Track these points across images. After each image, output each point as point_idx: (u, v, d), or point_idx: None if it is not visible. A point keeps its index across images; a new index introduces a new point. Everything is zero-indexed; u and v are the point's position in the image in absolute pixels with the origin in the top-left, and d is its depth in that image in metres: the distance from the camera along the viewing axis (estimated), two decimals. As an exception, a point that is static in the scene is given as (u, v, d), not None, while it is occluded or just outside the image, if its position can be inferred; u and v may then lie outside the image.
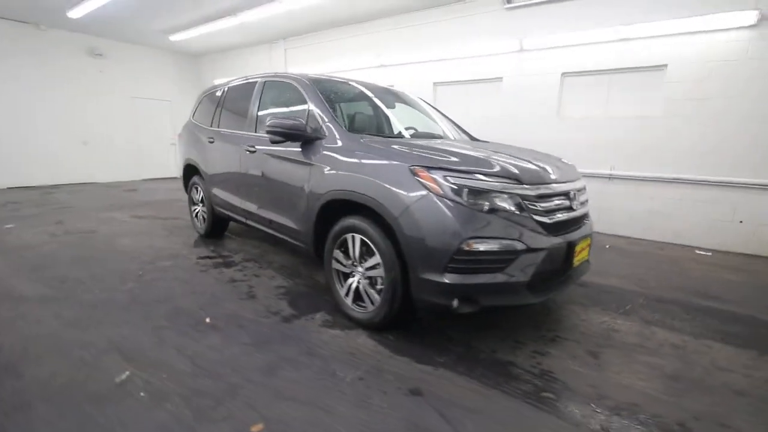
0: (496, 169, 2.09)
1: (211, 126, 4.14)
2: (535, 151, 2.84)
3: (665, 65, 4.68)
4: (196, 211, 4.54)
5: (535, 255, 2.04)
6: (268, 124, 2.68)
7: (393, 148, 2.31)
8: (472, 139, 3.59)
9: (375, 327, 2.36)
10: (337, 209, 2.52)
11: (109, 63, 9.18)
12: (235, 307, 2.69)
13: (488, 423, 1.66)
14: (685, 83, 4.58)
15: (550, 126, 5.58)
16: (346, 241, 2.44)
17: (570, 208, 2.31)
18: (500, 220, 1.99)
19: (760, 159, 4.30)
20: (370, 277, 2.35)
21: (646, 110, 4.89)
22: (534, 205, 2.09)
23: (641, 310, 2.88)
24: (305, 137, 2.67)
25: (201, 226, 4.46)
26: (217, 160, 3.85)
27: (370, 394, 1.81)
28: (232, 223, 4.50)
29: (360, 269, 2.41)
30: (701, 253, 4.53)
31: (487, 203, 1.99)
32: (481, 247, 1.94)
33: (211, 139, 3.97)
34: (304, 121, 2.67)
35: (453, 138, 3.35)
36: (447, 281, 1.97)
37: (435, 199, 1.98)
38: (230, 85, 4.05)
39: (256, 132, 3.37)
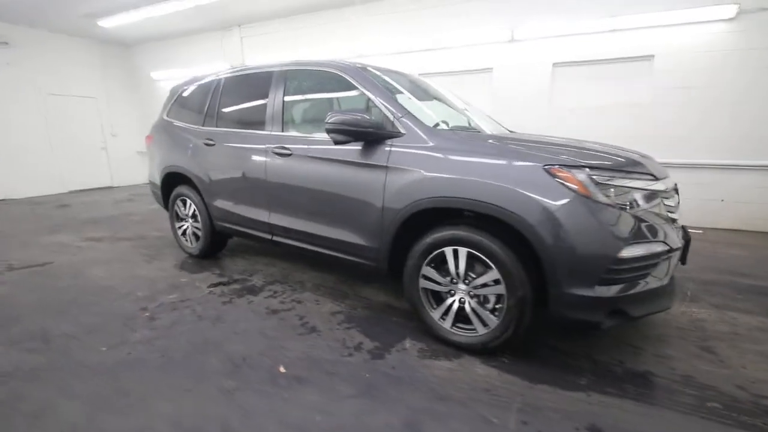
0: (635, 164, 1.90)
1: (204, 125, 3.44)
2: (608, 144, 2.71)
3: (652, 56, 4.91)
4: (184, 227, 3.79)
5: (674, 255, 1.89)
6: (329, 121, 2.21)
7: (508, 145, 2.00)
8: (510, 132, 3.40)
9: (486, 351, 2.05)
10: (423, 220, 2.16)
11: (17, 54, 7.48)
12: (302, 346, 2.20)
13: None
14: (671, 73, 4.84)
15: (541, 116, 5.62)
16: (442, 255, 2.09)
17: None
18: (646, 220, 1.80)
19: (737, 142, 4.70)
20: (478, 296, 2.03)
21: (634, 99, 5.11)
22: (666, 202, 1.93)
23: (701, 294, 2.92)
24: (377, 136, 2.25)
25: (193, 245, 3.73)
26: (222, 167, 3.19)
27: (549, 442, 1.52)
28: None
29: (463, 287, 2.07)
30: (693, 231, 4.87)
31: (634, 203, 1.78)
32: (638, 252, 1.74)
33: (210, 142, 3.29)
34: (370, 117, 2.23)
35: (503, 131, 3.11)
36: (599, 294, 1.73)
37: (583, 201, 1.72)
38: (225, 76, 3.39)
39: (283, 131, 2.82)
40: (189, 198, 3.59)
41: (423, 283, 2.20)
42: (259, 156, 2.88)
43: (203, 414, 1.66)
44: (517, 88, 5.69)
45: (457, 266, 2.05)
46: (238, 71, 3.32)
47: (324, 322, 2.49)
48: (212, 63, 8.02)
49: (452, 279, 2.10)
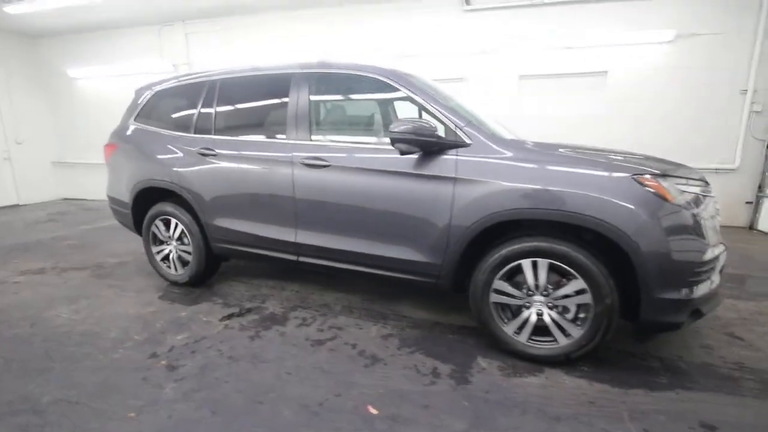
0: (692, 171, 2.04)
1: (195, 133, 2.98)
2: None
3: (606, 71, 5.47)
4: (166, 252, 3.23)
5: (724, 256, 2.07)
6: (396, 130, 2.04)
7: (587, 155, 2.02)
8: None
9: (568, 361, 2.04)
10: (492, 233, 2.09)
11: None
12: (375, 379, 1.98)
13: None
14: (622, 87, 5.43)
15: (511, 125, 5.92)
16: (518, 268, 2.03)
17: None
18: (710, 224, 1.94)
19: (681, 148, 5.41)
20: (557, 307, 2.02)
21: (591, 110, 5.64)
22: (715, 206, 2.11)
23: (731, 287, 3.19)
24: (441, 145, 2.12)
25: (179, 271, 3.19)
26: (227, 180, 2.78)
27: (680, 448, 1.53)
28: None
29: (539, 299, 2.04)
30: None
31: (703, 209, 1.91)
32: (712, 253, 1.86)
33: (208, 151, 2.85)
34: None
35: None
36: (686, 296, 1.82)
37: (672, 208, 1.79)
38: (221, 76, 2.97)
39: (311, 140, 2.54)
40: (175, 217, 3.07)
41: (494, 298, 2.12)
42: (281, 167, 2.56)
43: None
44: (490, 97, 5.92)
45: (536, 278, 2.01)
46: (240, 72, 2.92)
47: (380, 348, 2.28)
48: (146, 60, 7.11)
49: (527, 292, 2.06)
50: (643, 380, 1.97)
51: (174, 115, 3.21)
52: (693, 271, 1.81)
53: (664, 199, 1.80)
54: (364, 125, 2.82)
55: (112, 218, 3.84)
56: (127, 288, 3.23)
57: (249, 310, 2.79)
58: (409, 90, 2.33)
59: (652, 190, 1.81)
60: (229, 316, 2.70)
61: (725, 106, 5.11)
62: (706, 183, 2.08)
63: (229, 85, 2.94)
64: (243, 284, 3.29)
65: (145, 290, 3.17)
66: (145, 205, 3.26)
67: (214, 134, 2.92)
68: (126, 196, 3.31)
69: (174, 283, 3.25)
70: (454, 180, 2.10)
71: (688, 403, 1.79)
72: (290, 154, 2.54)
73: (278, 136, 2.66)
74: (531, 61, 5.67)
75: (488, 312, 2.15)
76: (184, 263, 3.18)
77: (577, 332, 1.99)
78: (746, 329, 2.50)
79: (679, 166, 2.12)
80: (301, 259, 2.66)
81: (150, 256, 3.32)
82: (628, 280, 1.89)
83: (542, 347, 2.07)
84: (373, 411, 1.75)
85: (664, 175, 1.85)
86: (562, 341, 2.03)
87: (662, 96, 5.30)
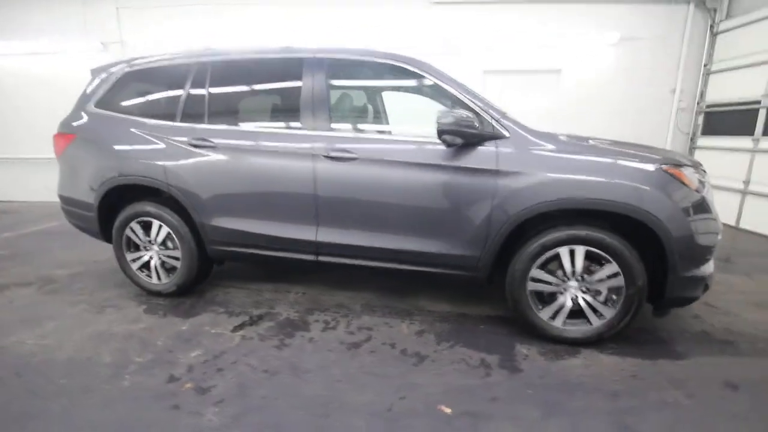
0: (694, 161, 2.28)
1: (181, 121, 2.62)
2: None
3: (560, 69, 5.89)
4: (145, 259, 2.82)
5: None
6: (444, 121, 2.00)
7: (613, 147, 2.15)
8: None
9: (600, 341, 2.19)
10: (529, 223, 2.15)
11: None
12: (431, 377, 1.94)
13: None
14: (574, 84, 5.90)
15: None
16: (555, 257, 2.12)
17: None
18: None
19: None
20: (590, 290, 2.15)
21: (549, 105, 6.04)
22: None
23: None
24: (481, 137, 2.11)
25: (163, 280, 2.80)
26: (230, 175, 2.49)
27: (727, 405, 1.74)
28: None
29: (574, 284, 2.16)
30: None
31: (709, 193, 2.15)
32: (721, 235, 2.11)
33: (204, 142, 2.52)
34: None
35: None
36: (702, 273, 2.05)
37: (695, 195, 2.00)
38: (212, 59, 2.63)
39: (331, 131, 2.37)
40: (158, 218, 2.68)
41: (531, 286, 2.19)
42: (300, 160, 2.36)
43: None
44: (453, 90, 6.06)
45: (574, 265, 2.12)
46: (238, 54, 2.62)
47: (420, 345, 2.24)
48: (65, 36, 6.09)
49: (563, 277, 2.16)
50: (663, 351, 2.19)
51: (151, 101, 2.79)
52: (710, 249, 2.04)
53: (687, 186, 1.99)
54: (390, 115, 2.71)
55: (36, 223, 3.26)
56: (96, 303, 2.77)
57: (260, 318, 2.56)
58: (442, 81, 2.29)
59: (677, 178, 1.99)
60: (241, 326, 2.45)
61: (659, 103, 5.82)
62: (704, 170, 2.34)
63: (224, 68, 2.62)
64: (239, 290, 3.00)
65: (122, 304, 2.75)
66: (116, 205, 2.81)
67: (208, 123, 2.59)
68: (89, 195, 2.80)
69: (156, 294, 2.85)
70: (496, 172, 2.11)
71: (708, 368, 2.04)
72: (310, 146, 2.34)
73: (291, 125, 2.45)
74: (494, 57, 5.90)
75: (525, 300, 2.21)
76: (169, 270, 2.81)
77: (609, 313, 2.13)
78: (716, 299, 2.89)
79: (697, 161, 2.35)
80: (321, 258, 2.49)
81: (123, 264, 2.87)
82: (653, 262, 2.08)
83: (577, 330, 2.20)
84: (446, 410, 1.71)
85: (687, 165, 2.05)
86: (596, 323, 2.17)
87: (608, 93, 5.86)
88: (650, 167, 2.02)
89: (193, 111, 2.62)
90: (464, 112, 2.03)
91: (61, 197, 3.01)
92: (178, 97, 2.65)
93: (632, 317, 2.12)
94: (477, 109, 2.20)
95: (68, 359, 2.09)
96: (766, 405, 1.77)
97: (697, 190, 2.02)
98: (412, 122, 2.62)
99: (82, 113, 2.87)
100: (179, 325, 2.46)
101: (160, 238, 2.75)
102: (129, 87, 2.86)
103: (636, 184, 1.98)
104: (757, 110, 4.69)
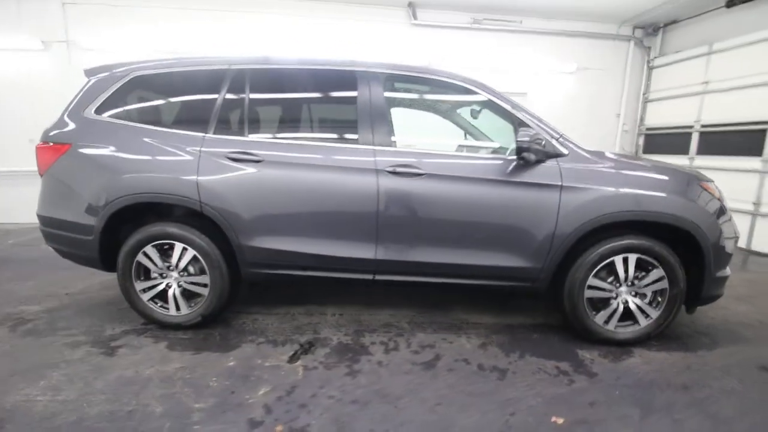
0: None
1: (215, 133, 2.37)
2: None
3: (526, 93, 6.43)
4: (160, 287, 2.45)
5: None
6: (524, 139, 2.07)
7: (659, 164, 2.39)
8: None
9: (648, 340, 2.39)
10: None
11: None
12: (521, 392, 1.95)
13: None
14: (538, 107, 6.42)
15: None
16: (610, 265, 2.29)
17: None
18: None
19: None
20: (638, 294, 2.35)
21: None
22: None
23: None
24: (547, 155, 2.23)
25: (183, 311, 2.46)
26: (282, 191, 2.29)
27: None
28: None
29: (624, 289, 2.35)
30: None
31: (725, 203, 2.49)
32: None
33: (246, 156, 2.29)
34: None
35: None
36: (727, 273, 2.36)
37: (720, 205, 2.30)
38: (250, 66, 2.44)
39: (394, 146, 2.32)
40: (183, 241, 2.37)
41: (588, 294, 2.34)
42: (362, 176, 2.26)
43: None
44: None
45: (627, 272, 2.30)
46: (277, 64, 2.45)
47: (491, 359, 2.25)
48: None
49: (616, 284, 2.33)
50: (696, 344, 2.46)
51: (171, 109, 2.49)
52: (732, 251, 2.36)
53: (718, 198, 2.30)
54: (450, 131, 2.72)
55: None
56: (100, 343, 2.33)
57: (311, 345, 2.36)
58: (503, 102, 2.41)
59: (709, 192, 2.29)
60: (295, 356, 2.24)
61: (608, 125, 6.61)
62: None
63: (262, 77, 2.44)
64: (267, 315, 2.74)
65: (135, 342, 2.35)
66: (124, 227, 2.43)
67: (244, 135, 2.38)
68: (87, 217, 2.38)
69: (174, 327, 2.49)
70: (560, 187, 2.23)
71: (740, 354, 2.33)
72: (372, 159, 2.27)
73: (347, 139, 2.35)
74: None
75: (582, 307, 2.35)
76: (191, 299, 2.48)
77: (655, 314, 2.35)
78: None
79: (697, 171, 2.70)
80: (378, 277, 2.40)
81: (131, 295, 2.46)
82: (687, 265, 2.34)
83: (627, 331, 2.38)
84: (559, 420, 1.74)
85: (710, 180, 2.37)
86: (643, 323, 2.37)
87: (566, 114, 6.50)
88: (690, 182, 2.29)
89: (229, 121, 2.40)
90: (536, 132, 2.14)
91: (44, 218, 2.52)
92: (211, 106, 2.40)
93: (674, 316, 2.35)
94: (539, 129, 2.32)
95: (108, 414, 1.73)
96: (795, 383, 2.08)
97: (719, 199, 2.34)
98: (469, 139, 2.70)
99: (77, 120, 2.46)
100: (224, 361, 2.17)
101: (182, 263, 2.42)
102: (138, 92, 2.53)
103: (683, 198, 2.24)
104: (691, 133, 5.56)
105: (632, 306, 2.35)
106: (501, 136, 2.70)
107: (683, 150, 5.66)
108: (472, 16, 6.01)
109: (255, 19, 5.68)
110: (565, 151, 2.30)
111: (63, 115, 2.51)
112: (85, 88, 2.53)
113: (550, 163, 2.27)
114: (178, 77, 2.50)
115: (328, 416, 1.74)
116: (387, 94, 2.41)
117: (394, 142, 2.35)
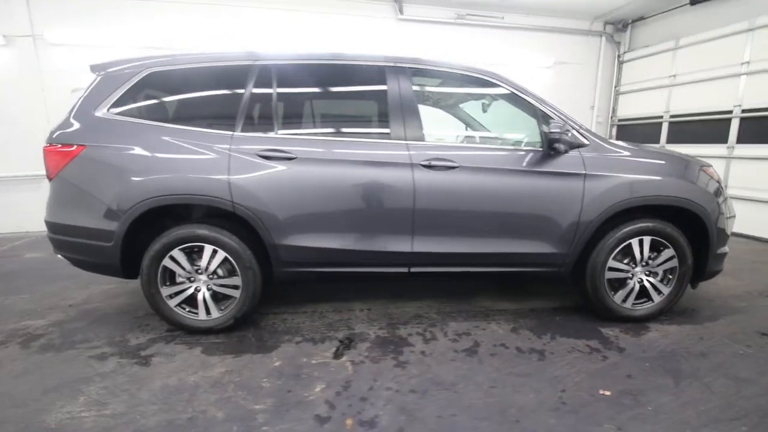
0: None
1: (242, 131, 2.31)
2: None
3: (508, 86, 6.63)
4: (188, 292, 2.37)
5: None
6: (557, 131, 2.16)
7: (665, 151, 2.57)
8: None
9: (661, 315, 2.60)
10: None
11: None
12: (564, 370, 2.07)
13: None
14: (520, 99, 6.70)
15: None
16: (628, 247, 2.47)
17: None
18: None
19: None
20: (651, 273, 2.55)
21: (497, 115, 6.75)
22: None
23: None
24: (572, 145, 2.35)
25: (215, 314, 2.40)
26: (318, 188, 2.27)
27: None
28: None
29: (639, 269, 2.53)
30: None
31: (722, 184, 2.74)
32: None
33: (278, 154, 2.25)
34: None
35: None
36: (726, 250, 2.61)
37: (720, 187, 2.53)
38: (277, 62, 2.39)
39: (424, 139, 2.36)
40: (214, 243, 2.30)
41: (609, 275, 2.50)
42: (397, 171, 2.29)
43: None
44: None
45: (642, 253, 2.48)
46: (304, 59, 2.41)
47: (527, 341, 2.37)
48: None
49: (632, 264, 2.52)
50: (701, 316, 2.71)
51: (193, 106, 2.42)
52: (730, 230, 2.60)
53: (717, 181, 2.53)
54: (477, 124, 2.78)
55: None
56: (130, 354, 2.22)
57: (350, 340, 2.38)
58: (526, 95, 2.48)
59: (710, 176, 2.51)
60: (338, 352, 2.25)
61: (582, 117, 6.93)
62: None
63: (293, 73, 2.39)
64: (295, 314, 2.72)
65: (166, 350, 2.26)
66: (147, 230, 2.33)
67: (274, 132, 2.34)
68: (106, 222, 2.25)
69: (205, 332, 2.42)
70: (584, 176, 2.37)
71: (739, 323, 2.59)
72: (407, 153, 2.30)
73: (378, 134, 2.36)
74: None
75: (603, 288, 2.51)
76: (221, 301, 2.42)
77: (666, 290, 2.56)
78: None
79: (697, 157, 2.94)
80: (414, 270, 2.44)
81: (156, 301, 2.36)
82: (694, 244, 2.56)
83: (643, 308, 2.57)
84: (606, 393, 1.87)
85: (708, 165, 2.60)
86: (656, 300, 2.57)
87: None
88: (697, 167, 2.51)
89: (257, 118, 2.35)
90: (563, 123, 2.25)
91: (54, 225, 2.36)
92: (236, 103, 2.33)
93: (683, 292, 2.57)
94: (564, 120, 2.44)
95: (166, 423, 1.67)
96: (789, 344, 2.35)
97: (718, 182, 2.58)
98: (495, 132, 2.78)
99: (89, 120, 2.31)
100: (268, 362, 2.14)
101: (212, 266, 2.35)
102: (154, 89, 2.41)
103: (693, 183, 2.44)
104: (661, 123, 5.99)
105: (647, 284, 2.55)
106: (509, 128, 2.82)
107: (654, 139, 6.08)
108: (456, 12, 6.12)
109: (237, 13, 5.48)
110: (587, 141, 2.44)
111: (70, 114, 2.35)
112: (93, 85, 2.38)
113: (574, 153, 2.40)
114: (197, 74, 2.40)
115: (393, 406, 1.78)
116: (414, 87, 2.44)
117: (425, 135, 2.39)
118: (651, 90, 6.18)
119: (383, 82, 2.39)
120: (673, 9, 5.82)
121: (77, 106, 2.35)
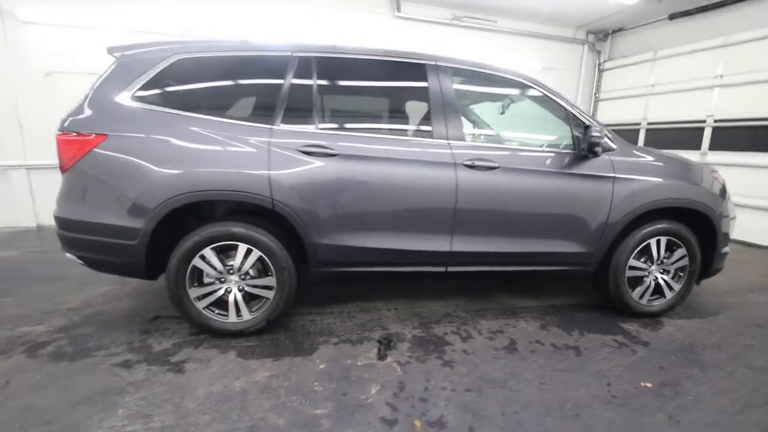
0: None
1: (281, 124, 2.21)
2: None
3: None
4: (219, 293, 2.25)
5: None
6: (597, 135, 2.25)
7: (681, 157, 2.74)
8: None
9: (667, 312, 2.77)
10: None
11: None
12: (602, 364, 2.17)
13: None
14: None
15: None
16: (646, 246, 2.62)
17: None
18: None
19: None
20: (664, 270, 2.72)
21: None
22: None
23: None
24: (604, 148, 2.45)
25: (246, 316, 2.28)
26: (358, 186, 2.21)
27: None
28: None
29: (654, 267, 2.69)
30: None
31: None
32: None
33: (320, 150, 2.18)
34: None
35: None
36: (727, 250, 2.83)
37: (725, 190, 2.73)
38: (315, 54, 2.30)
39: (465, 139, 2.37)
40: (249, 241, 2.19)
41: (629, 273, 2.64)
42: (440, 170, 2.28)
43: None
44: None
45: (659, 252, 2.64)
46: (345, 53, 2.34)
47: (558, 338, 2.45)
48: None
49: (649, 263, 2.67)
50: (705, 311, 2.92)
51: (225, 97, 2.28)
52: (732, 231, 2.83)
53: (723, 184, 2.74)
54: (516, 126, 2.81)
55: None
56: (158, 360, 2.07)
57: (389, 341, 2.35)
58: (558, 98, 2.55)
59: (717, 179, 2.72)
60: (381, 353, 2.22)
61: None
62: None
63: (334, 67, 2.32)
64: (322, 315, 2.66)
65: (196, 356, 2.13)
66: (174, 229, 2.18)
67: (315, 127, 2.25)
68: (131, 219, 2.08)
69: (235, 335, 2.30)
70: (613, 178, 2.48)
71: (738, 316, 2.83)
72: (450, 152, 2.30)
73: (420, 132, 2.35)
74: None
75: (624, 286, 2.65)
76: (251, 302, 2.32)
77: (677, 287, 2.74)
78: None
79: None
80: (451, 269, 2.45)
81: (183, 304, 2.21)
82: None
83: (657, 304, 2.74)
84: (648, 384, 1.98)
85: (716, 170, 2.80)
86: (669, 296, 2.74)
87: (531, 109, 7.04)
88: (709, 171, 2.70)
89: (296, 112, 2.24)
90: (600, 128, 2.34)
91: (67, 222, 2.15)
92: (274, 95, 2.23)
93: (692, 288, 2.77)
94: (588, 123, 2.53)
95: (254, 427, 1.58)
96: (784, 335, 2.60)
97: (723, 185, 2.78)
98: (531, 133, 2.84)
99: (109, 107, 2.12)
100: (311, 365, 2.07)
101: (246, 266, 2.24)
102: (182, 77, 2.24)
103: (708, 187, 2.63)
104: (639, 130, 6.38)
105: (661, 282, 2.71)
106: (532, 130, 2.92)
107: (632, 144, 6.47)
108: (453, 13, 6.19)
109: (233, 1, 5.23)
110: (615, 146, 2.56)
111: (85, 100, 2.14)
112: (111, 69, 2.19)
113: (604, 157, 2.50)
114: (230, 63, 2.27)
115: (455, 406, 1.78)
116: (448, 86, 2.43)
117: (465, 135, 2.40)
118: (630, 98, 6.57)
119: (424, 80, 2.38)
120: (653, 22, 6.20)
121: (92, 92, 2.15)
